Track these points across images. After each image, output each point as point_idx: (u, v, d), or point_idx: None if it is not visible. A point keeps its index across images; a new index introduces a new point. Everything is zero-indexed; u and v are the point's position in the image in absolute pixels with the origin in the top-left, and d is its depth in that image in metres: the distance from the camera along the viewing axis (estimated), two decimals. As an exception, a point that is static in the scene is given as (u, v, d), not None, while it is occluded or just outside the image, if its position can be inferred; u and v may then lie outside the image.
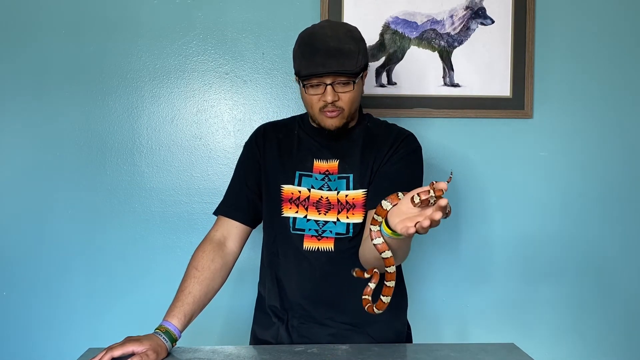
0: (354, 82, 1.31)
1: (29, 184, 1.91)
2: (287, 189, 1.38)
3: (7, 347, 1.93)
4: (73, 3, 1.88)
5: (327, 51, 1.28)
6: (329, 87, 1.29)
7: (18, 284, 1.92)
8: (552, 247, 1.98)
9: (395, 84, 1.91)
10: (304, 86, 1.32)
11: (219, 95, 1.93)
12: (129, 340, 1.22)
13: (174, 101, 1.92)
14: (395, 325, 1.41)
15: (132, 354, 1.18)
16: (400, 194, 1.01)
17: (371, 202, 1.32)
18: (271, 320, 1.41)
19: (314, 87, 1.31)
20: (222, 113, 1.93)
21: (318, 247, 1.34)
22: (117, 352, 1.18)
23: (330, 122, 1.34)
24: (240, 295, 1.87)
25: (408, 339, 1.47)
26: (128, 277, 1.93)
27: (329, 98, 1.29)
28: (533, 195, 1.96)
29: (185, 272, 1.37)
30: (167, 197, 1.93)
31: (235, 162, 1.51)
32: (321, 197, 1.35)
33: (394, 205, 1.00)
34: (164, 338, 1.24)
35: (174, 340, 1.26)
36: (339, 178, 1.36)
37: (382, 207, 1.02)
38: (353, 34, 1.33)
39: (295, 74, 1.37)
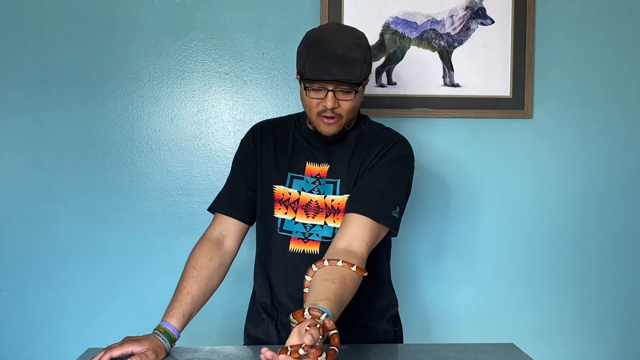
0: (356, 92, 1.30)
1: (29, 184, 1.91)
2: (279, 189, 1.38)
3: (6, 347, 1.93)
4: (73, 3, 1.88)
5: (333, 58, 1.26)
6: (330, 94, 1.28)
7: (18, 284, 1.92)
8: (552, 247, 1.98)
9: (395, 84, 1.91)
10: (305, 88, 1.31)
11: (219, 95, 1.93)
12: (128, 340, 1.22)
13: (174, 101, 1.92)
14: (382, 327, 1.41)
15: (131, 354, 1.18)
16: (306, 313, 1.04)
17: (349, 205, 1.30)
18: (261, 316, 1.42)
19: (315, 90, 1.30)
20: (222, 113, 1.93)
21: (304, 250, 1.34)
22: (116, 353, 1.18)
23: (327, 128, 1.33)
24: (239, 294, 1.86)
25: (397, 339, 1.47)
26: (128, 277, 1.93)
27: (329, 104, 1.28)
28: (533, 195, 1.96)
29: (183, 272, 1.37)
30: (167, 197, 1.93)
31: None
32: (310, 200, 1.35)
33: (298, 323, 1.02)
34: (162, 338, 1.24)
35: (172, 340, 1.26)
36: (327, 182, 1.36)
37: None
38: (361, 41, 1.31)
39: (297, 73, 1.36)
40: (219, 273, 1.39)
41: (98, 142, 1.91)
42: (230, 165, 1.50)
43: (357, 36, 1.32)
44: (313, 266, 1.21)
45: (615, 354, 2.01)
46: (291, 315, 1.06)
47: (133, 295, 1.93)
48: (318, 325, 0.97)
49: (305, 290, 1.21)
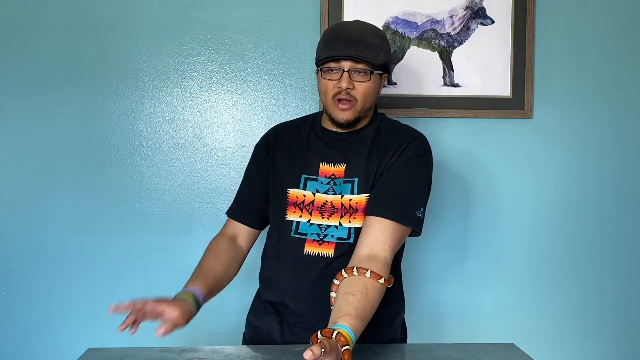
0: (372, 73, 1.31)
1: (28, 184, 1.91)
2: (293, 192, 1.37)
3: (7, 348, 1.93)
4: (73, 3, 1.88)
5: (348, 39, 1.30)
6: (345, 74, 1.30)
7: (18, 284, 1.92)
8: (551, 247, 1.98)
9: (395, 84, 1.91)
10: (321, 70, 1.33)
11: (219, 95, 1.93)
12: (160, 301, 1.19)
13: (174, 101, 1.92)
14: (389, 332, 1.40)
15: (162, 313, 1.17)
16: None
17: (370, 208, 1.30)
18: (268, 310, 1.40)
19: (331, 72, 1.32)
20: (222, 113, 1.93)
21: (319, 252, 1.33)
22: (149, 307, 1.17)
23: (342, 114, 1.33)
24: (242, 294, 1.86)
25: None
26: (128, 277, 1.93)
27: (344, 84, 1.30)
28: (533, 195, 1.96)
29: (204, 256, 1.39)
30: (167, 197, 1.93)
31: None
32: (326, 201, 1.34)
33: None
34: (193, 305, 1.23)
35: (199, 308, 1.26)
36: (345, 182, 1.34)
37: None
38: (378, 32, 1.36)
39: (316, 67, 1.37)
40: (234, 264, 1.42)
41: (98, 142, 1.91)
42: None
43: (376, 28, 1.37)
44: (343, 272, 1.21)
45: (615, 354, 2.01)
46: (311, 341, 1.06)
47: (133, 295, 1.91)
48: (320, 341, 0.97)
49: (332, 294, 1.22)
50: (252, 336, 1.44)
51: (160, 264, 1.92)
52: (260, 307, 1.43)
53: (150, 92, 1.91)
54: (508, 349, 1.30)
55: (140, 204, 1.92)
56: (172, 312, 1.17)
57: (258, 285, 1.48)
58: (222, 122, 1.93)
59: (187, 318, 1.20)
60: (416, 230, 1.31)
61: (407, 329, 1.50)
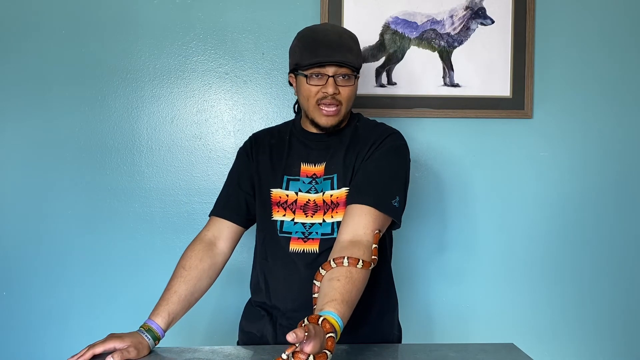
0: (355, 77, 1.34)
1: (29, 184, 1.91)
2: (276, 192, 1.39)
3: (7, 347, 1.93)
4: (73, 3, 1.88)
5: (330, 43, 1.31)
6: (330, 79, 1.31)
7: (18, 284, 1.92)
8: (551, 247, 1.98)
9: (395, 84, 1.91)
10: (305, 77, 1.33)
11: (219, 95, 1.93)
12: (111, 337, 1.23)
13: (174, 101, 1.92)
14: (383, 328, 1.40)
15: (114, 350, 1.19)
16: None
17: (350, 198, 1.30)
18: (260, 314, 1.41)
19: (315, 78, 1.32)
20: (222, 113, 1.93)
21: (304, 249, 1.34)
22: (99, 349, 1.19)
23: (326, 119, 1.34)
24: (243, 295, 1.86)
25: (398, 341, 1.46)
26: (128, 277, 1.93)
27: (330, 90, 1.31)
28: (533, 195, 1.96)
29: (174, 272, 1.37)
30: (167, 197, 1.93)
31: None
32: (308, 200, 1.36)
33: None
34: (146, 336, 1.25)
35: (156, 338, 1.27)
36: (325, 179, 1.36)
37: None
38: (351, 34, 1.38)
39: (292, 70, 1.38)
40: (208, 274, 1.39)
41: (98, 142, 1.91)
42: (230, 165, 1.51)
43: (348, 31, 1.39)
44: (321, 270, 1.20)
45: (615, 354, 2.01)
46: (298, 326, 1.06)
47: (133, 296, 1.92)
48: (304, 325, 0.96)
49: (315, 295, 1.20)
50: (246, 342, 1.44)
51: (160, 263, 1.92)
52: (253, 311, 1.44)
53: (150, 92, 1.91)
54: (508, 349, 1.30)
55: (140, 204, 1.92)
56: (120, 345, 1.20)
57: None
58: (222, 122, 1.93)
59: (139, 349, 1.22)
60: (396, 222, 1.31)
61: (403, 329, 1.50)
